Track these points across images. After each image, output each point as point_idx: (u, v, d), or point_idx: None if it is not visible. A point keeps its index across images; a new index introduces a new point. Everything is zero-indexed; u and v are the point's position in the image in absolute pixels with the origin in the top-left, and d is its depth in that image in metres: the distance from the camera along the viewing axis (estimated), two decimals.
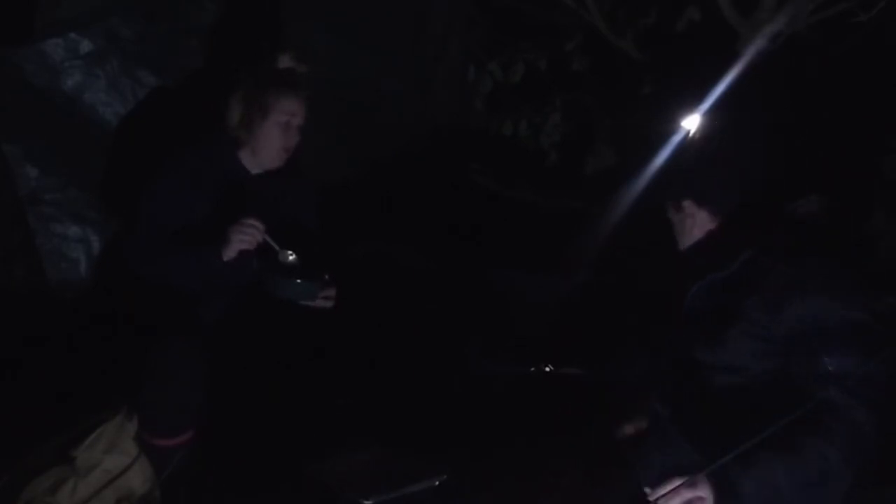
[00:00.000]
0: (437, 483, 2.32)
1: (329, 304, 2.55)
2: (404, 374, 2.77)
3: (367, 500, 2.22)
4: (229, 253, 2.40)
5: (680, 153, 2.08)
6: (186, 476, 2.33)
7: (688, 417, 1.98)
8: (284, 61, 2.60)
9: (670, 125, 2.16)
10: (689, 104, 2.12)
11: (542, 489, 2.45)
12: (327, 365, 2.50)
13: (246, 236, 2.40)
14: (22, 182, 3.05)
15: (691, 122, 2.10)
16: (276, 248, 2.45)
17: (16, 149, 3.03)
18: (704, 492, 1.81)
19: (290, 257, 2.46)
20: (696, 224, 2.06)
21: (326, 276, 2.54)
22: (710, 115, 2.09)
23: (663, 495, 1.82)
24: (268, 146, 2.56)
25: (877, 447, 1.88)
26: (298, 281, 2.47)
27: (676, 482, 1.82)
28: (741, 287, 1.89)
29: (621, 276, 3.16)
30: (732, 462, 1.79)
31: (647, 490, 1.88)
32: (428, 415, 2.68)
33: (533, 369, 2.17)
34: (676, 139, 2.13)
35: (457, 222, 3.68)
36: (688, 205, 2.06)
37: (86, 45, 3.10)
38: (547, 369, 2.14)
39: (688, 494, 1.81)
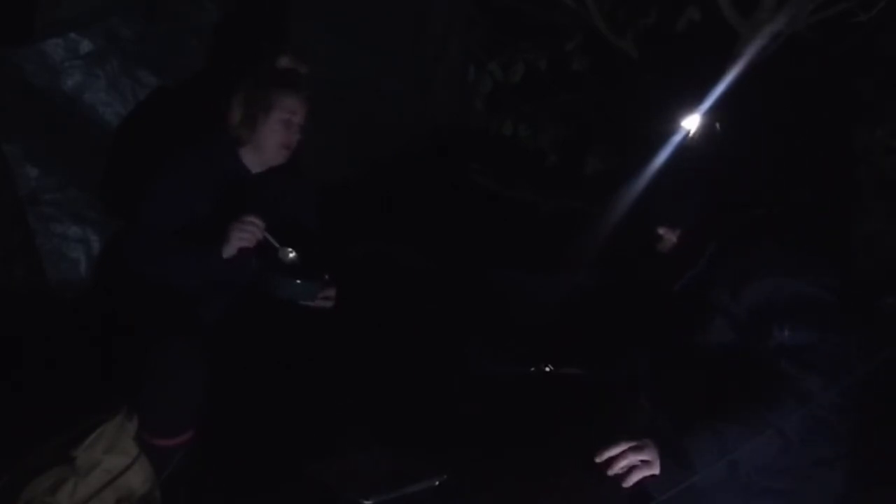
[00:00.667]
0: (437, 483, 2.33)
1: (329, 304, 2.55)
2: (404, 374, 2.77)
3: (367, 500, 2.23)
4: (229, 251, 2.40)
5: (652, 186, 2.20)
6: (186, 476, 2.33)
7: (678, 410, 1.99)
8: (285, 61, 2.61)
9: (670, 125, 2.18)
10: (689, 104, 2.13)
11: (542, 489, 2.45)
12: (327, 365, 2.50)
13: (246, 234, 2.40)
14: (22, 182, 3.04)
15: (691, 122, 2.11)
16: (276, 245, 2.45)
17: (16, 149, 3.03)
18: (651, 455, 1.84)
19: (290, 255, 2.46)
20: (670, 244, 2.16)
21: (326, 276, 2.54)
22: (685, 143, 2.19)
23: (610, 457, 1.85)
24: (270, 143, 2.57)
25: (848, 423, 1.90)
26: (298, 281, 2.47)
27: (624, 445, 1.84)
28: (710, 279, 1.96)
29: (621, 276, 3.16)
30: (682, 430, 1.82)
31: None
32: (428, 415, 2.68)
33: (533, 369, 2.17)
34: (676, 139, 2.14)
35: (457, 222, 3.68)
36: (663, 231, 2.16)
37: (86, 45, 3.09)
38: (547, 369, 2.15)
39: (634, 458, 1.84)
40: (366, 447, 2.47)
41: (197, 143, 2.60)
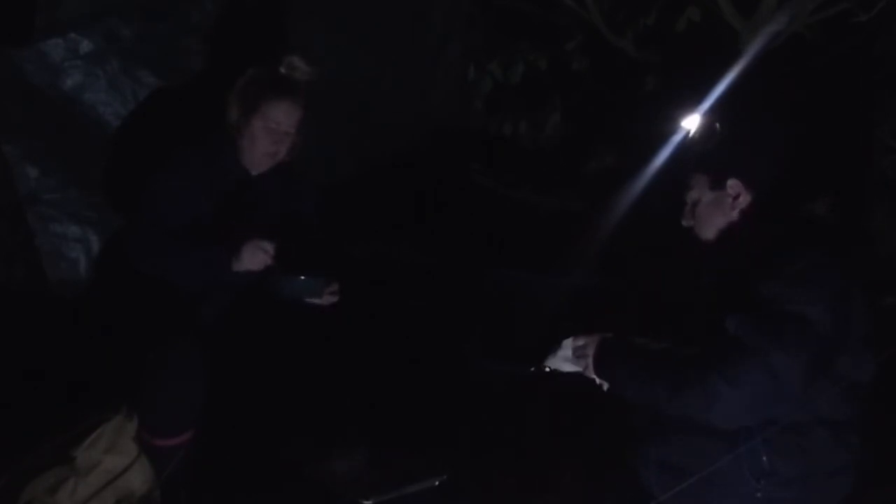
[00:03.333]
0: (437, 483, 2.33)
1: (334, 299, 2.54)
2: (404, 374, 2.77)
3: (367, 500, 2.23)
4: (239, 267, 2.42)
5: (734, 128, 2.00)
6: (186, 476, 2.33)
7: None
8: (287, 65, 2.58)
9: (670, 125, 2.16)
10: (690, 104, 2.11)
11: (542, 489, 2.45)
12: (328, 365, 2.50)
13: (258, 259, 2.40)
14: (22, 182, 3.04)
15: (691, 122, 2.09)
16: (280, 273, 2.45)
17: (16, 149, 3.03)
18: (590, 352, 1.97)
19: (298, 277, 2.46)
20: (736, 207, 1.97)
21: (327, 278, 2.54)
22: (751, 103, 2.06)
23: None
24: (253, 148, 2.55)
25: (860, 432, 1.89)
26: (302, 278, 2.46)
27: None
28: (746, 283, 1.87)
29: (622, 276, 3.16)
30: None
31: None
32: (428, 415, 2.68)
33: (533, 369, 2.17)
34: (676, 139, 2.12)
35: (457, 222, 3.68)
36: (733, 184, 1.97)
37: (86, 45, 3.09)
38: (547, 369, 2.14)
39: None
40: (366, 447, 2.47)
41: (198, 143, 2.60)
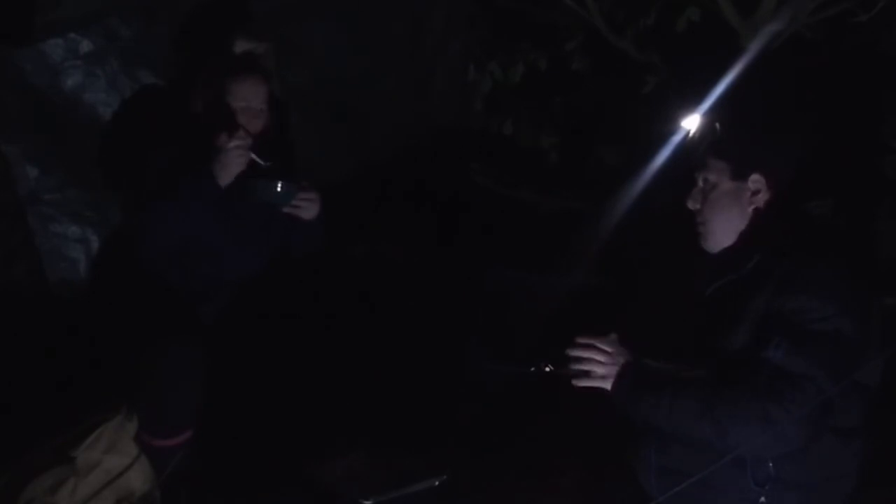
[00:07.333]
0: (437, 483, 2.33)
1: (312, 212, 2.56)
2: (404, 373, 2.77)
3: (367, 500, 2.23)
4: (226, 177, 2.43)
5: (764, 122, 1.96)
6: (186, 476, 2.33)
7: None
8: (239, 46, 2.60)
9: (670, 125, 2.16)
10: (690, 104, 2.11)
11: (542, 489, 2.45)
12: (327, 365, 2.50)
13: (240, 160, 2.43)
14: (22, 182, 3.05)
15: (691, 122, 2.09)
16: (262, 163, 2.52)
17: (16, 149, 3.03)
18: (609, 371, 1.90)
19: (269, 163, 2.55)
20: (754, 203, 1.92)
21: (304, 183, 2.59)
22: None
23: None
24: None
25: (864, 441, 1.89)
26: (280, 184, 2.52)
27: (594, 351, 1.92)
28: (750, 289, 1.86)
29: (622, 276, 3.16)
30: (653, 376, 1.86)
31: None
32: (428, 415, 2.68)
33: (533, 369, 2.17)
34: (677, 139, 2.12)
35: (457, 222, 3.68)
36: (756, 179, 1.92)
37: (86, 45, 3.10)
38: (547, 369, 2.14)
39: (595, 366, 1.91)
40: (366, 447, 2.47)
41: (186, 143, 2.60)
